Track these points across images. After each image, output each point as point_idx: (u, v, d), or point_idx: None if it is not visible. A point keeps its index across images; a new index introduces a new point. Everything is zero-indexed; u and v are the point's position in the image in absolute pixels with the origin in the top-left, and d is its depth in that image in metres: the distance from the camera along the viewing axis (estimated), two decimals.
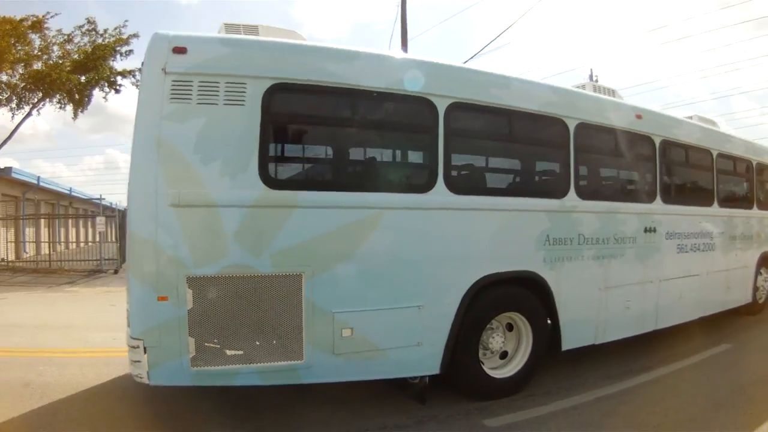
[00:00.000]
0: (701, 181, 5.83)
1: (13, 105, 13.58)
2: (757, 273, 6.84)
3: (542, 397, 3.95)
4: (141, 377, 2.94)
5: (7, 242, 15.25)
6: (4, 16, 12.03)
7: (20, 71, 12.81)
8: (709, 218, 5.75)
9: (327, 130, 3.56)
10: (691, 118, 6.78)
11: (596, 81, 7.05)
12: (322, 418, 3.50)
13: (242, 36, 3.38)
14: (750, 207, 6.64)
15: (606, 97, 4.81)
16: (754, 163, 6.67)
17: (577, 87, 4.95)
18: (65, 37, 13.06)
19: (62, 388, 3.98)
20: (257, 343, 3.11)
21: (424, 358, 3.51)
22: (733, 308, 6.40)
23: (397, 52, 4.45)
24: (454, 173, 3.72)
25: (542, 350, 4.10)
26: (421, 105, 3.55)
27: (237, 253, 3.01)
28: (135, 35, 14.15)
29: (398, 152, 3.94)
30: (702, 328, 5.78)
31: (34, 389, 3.95)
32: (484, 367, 3.84)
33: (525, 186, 4.41)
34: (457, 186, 3.68)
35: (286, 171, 3.35)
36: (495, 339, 3.93)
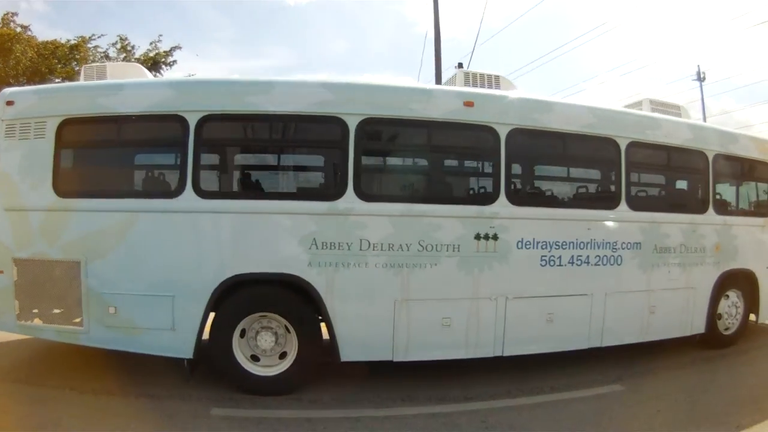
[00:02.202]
0: (593, 178, 4.73)
1: None
2: (718, 297, 5.31)
3: (301, 403, 3.85)
4: None
5: None
6: (47, 41, 14.06)
7: None
8: (609, 224, 4.62)
9: (97, 152, 4.27)
10: (640, 104, 5.56)
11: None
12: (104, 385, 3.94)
13: (51, 85, 4.15)
14: (701, 211, 5.17)
15: (402, 85, 4.22)
16: (711, 156, 5.16)
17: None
18: (102, 53, 14.62)
19: None
20: (55, 310, 3.96)
21: (178, 342, 3.83)
22: (679, 338, 5.09)
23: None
24: (203, 179, 3.83)
25: (313, 356, 3.94)
26: (173, 122, 3.81)
27: (39, 243, 3.89)
28: (177, 47, 15.62)
29: (153, 162, 4.24)
30: (622, 359, 4.82)
31: None
32: (239, 361, 3.90)
33: (285, 188, 4.20)
34: (205, 191, 3.81)
35: (69, 184, 3.99)
36: (264, 338, 3.92)
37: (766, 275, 5.66)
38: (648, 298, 4.81)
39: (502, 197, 4.17)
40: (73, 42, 14.06)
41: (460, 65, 13.98)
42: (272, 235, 3.80)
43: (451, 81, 5.05)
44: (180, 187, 3.73)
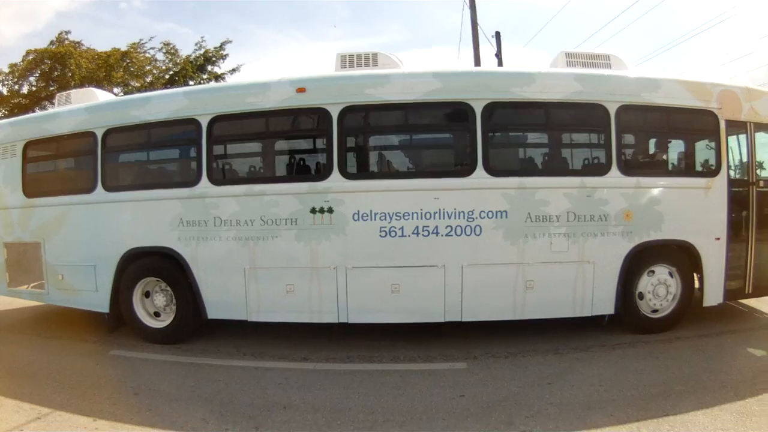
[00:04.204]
0: (443, 145, 4.59)
1: None
2: (635, 273, 4.63)
3: (177, 350, 4.80)
4: None
5: None
6: (101, 51, 15.92)
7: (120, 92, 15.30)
8: (462, 193, 4.47)
9: (45, 163, 5.73)
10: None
11: None
12: (61, 333, 5.47)
13: (20, 117, 6.19)
14: (600, 173, 4.56)
15: (240, 82, 4.81)
16: (613, 108, 4.49)
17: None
18: (149, 59, 16.31)
19: None
20: (30, 278, 5.56)
21: (101, 300, 5.12)
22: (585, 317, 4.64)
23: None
24: (108, 178, 5.08)
25: (189, 313, 4.85)
26: (87, 137, 5.11)
27: (17, 231, 5.57)
28: (228, 41, 17.77)
29: (79, 167, 5.50)
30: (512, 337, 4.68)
31: None
32: (138, 315, 5.02)
33: (160, 179, 5.18)
34: (109, 186, 5.07)
35: (32, 188, 5.48)
36: (159, 298, 5.01)
37: (713, 249, 4.67)
38: (521, 272, 4.52)
39: (335, 173, 4.51)
40: (124, 50, 16.04)
41: (498, 34, 13.70)
42: (154, 216, 4.86)
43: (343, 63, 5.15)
44: (93, 185, 5.03)
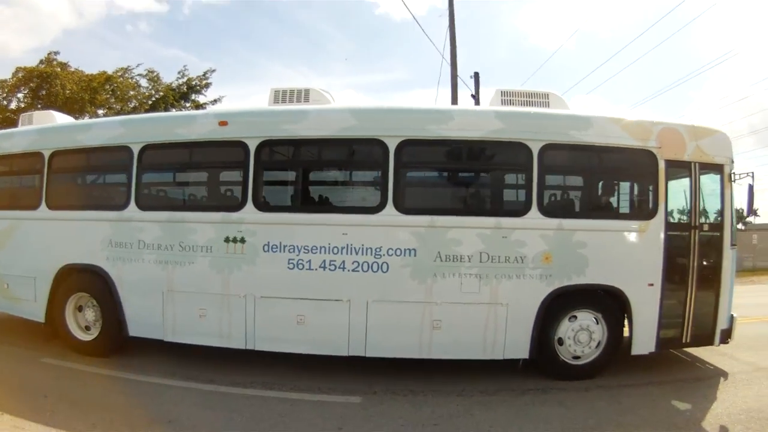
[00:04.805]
0: (357, 181, 4.58)
1: None
2: (555, 317, 4.45)
3: (102, 363, 4.99)
4: None
5: None
6: (87, 74, 15.20)
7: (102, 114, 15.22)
8: (371, 229, 4.44)
9: (1, 180, 5.97)
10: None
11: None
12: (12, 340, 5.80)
13: None
14: (518, 214, 4.41)
15: (182, 113, 4.93)
16: (536, 147, 4.31)
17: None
18: (133, 85, 16.34)
19: None
20: None
21: (38, 310, 5.40)
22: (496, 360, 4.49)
23: None
24: (51, 196, 5.35)
25: (113, 329, 5.05)
26: (35, 157, 5.43)
27: None
28: (212, 70, 17.81)
29: (27, 185, 5.77)
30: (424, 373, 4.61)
31: None
32: (70, 328, 5.26)
33: (96, 201, 5.41)
34: (52, 204, 5.35)
35: None
36: (88, 312, 5.25)
37: (645, 295, 4.40)
38: (428, 311, 4.43)
39: (249, 204, 4.60)
40: (109, 74, 16.37)
41: (477, 75, 13.61)
42: (87, 236, 5.10)
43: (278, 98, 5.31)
44: (38, 202, 5.33)
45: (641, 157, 4.52)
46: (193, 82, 17.41)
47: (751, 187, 4.62)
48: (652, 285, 4.49)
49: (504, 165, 4.59)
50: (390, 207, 4.43)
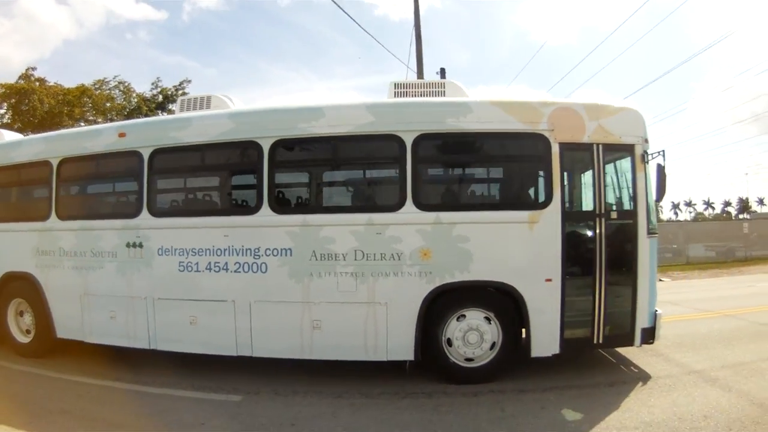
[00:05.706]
0: (235, 184, 4.48)
1: None
2: (440, 317, 4.22)
3: (38, 363, 5.33)
4: None
5: None
6: (62, 88, 16.34)
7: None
8: (249, 230, 4.47)
9: None
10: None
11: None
12: None
13: None
14: (392, 209, 4.21)
15: (91, 127, 5.18)
16: (405, 138, 4.10)
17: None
18: (108, 96, 16.91)
19: None
20: None
21: None
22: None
23: None
24: None
25: (45, 332, 5.40)
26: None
27: None
28: (187, 80, 18.49)
29: None
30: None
31: None
32: (11, 331, 5.66)
33: (26, 213, 5.73)
34: None
35: None
36: (27, 317, 5.64)
37: (541, 292, 4.06)
38: (307, 311, 4.38)
39: (145, 211, 4.81)
40: (86, 86, 16.97)
41: (443, 70, 13.20)
42: (21, 245, 5.50)
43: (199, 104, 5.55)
44: None
45: (530, 141, 4.15)
46: (169, 92, 17.91)
47: (661, 168, 4.06)
48: (550, 280, 4.11)
49: (378, 159, 4.44)
50: (266, 208, 4.44)
